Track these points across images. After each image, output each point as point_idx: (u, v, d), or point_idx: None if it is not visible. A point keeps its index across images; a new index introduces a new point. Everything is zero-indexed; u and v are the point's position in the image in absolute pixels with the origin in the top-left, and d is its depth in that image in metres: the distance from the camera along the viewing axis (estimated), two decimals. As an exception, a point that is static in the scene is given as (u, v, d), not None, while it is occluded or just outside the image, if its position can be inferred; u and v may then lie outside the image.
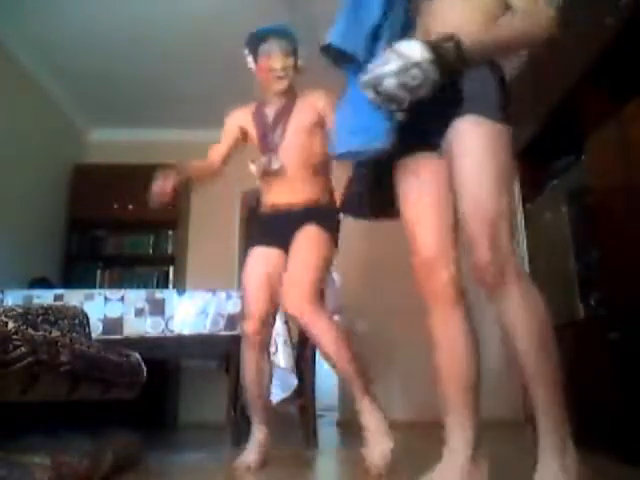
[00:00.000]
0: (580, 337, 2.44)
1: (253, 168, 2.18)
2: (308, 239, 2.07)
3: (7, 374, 1.15)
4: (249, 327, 2.10)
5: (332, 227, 2.14)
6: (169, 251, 4.47)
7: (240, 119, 2.32)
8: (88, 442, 1.66)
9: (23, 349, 1.19)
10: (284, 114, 2.20)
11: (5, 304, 2.61)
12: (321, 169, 2.21)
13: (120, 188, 4.38)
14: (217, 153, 2.34)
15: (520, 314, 1.22)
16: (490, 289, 1.22)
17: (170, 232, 4.47)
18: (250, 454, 2.06)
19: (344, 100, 1.39)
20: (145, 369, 2.09)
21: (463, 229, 1.27)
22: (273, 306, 2.14)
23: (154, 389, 2.64)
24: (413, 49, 1.16)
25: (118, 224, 4.45)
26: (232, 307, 2.84)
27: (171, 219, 4.43)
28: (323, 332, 1.93)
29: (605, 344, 2.17)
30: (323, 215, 2.13)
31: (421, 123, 1.31)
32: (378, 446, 1.79)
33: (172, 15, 3.34)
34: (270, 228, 2.19)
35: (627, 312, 2.08)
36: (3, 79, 3.59)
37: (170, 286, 4.32)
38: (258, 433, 2.13)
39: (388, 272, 3.93)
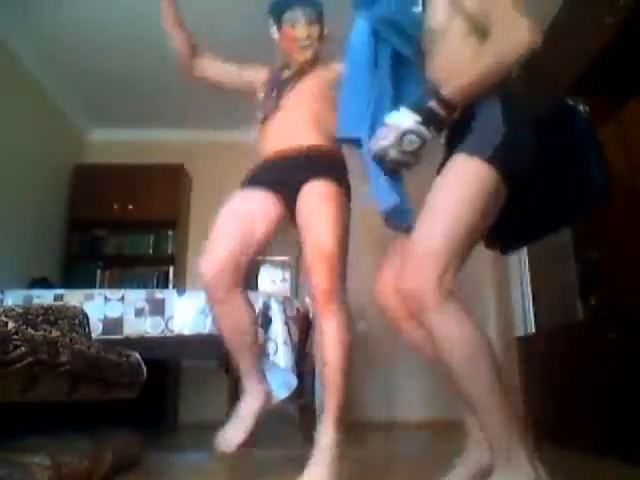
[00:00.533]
0: (580, 337, 2.44)
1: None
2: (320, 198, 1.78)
3: (7, 374, 1.15)
4: (207, 266, 1.75)
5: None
6: (169, 251, 4.47)
7: (258, 74, 2.13)
8: (88, 442, 1.66)
9: (23, 349, 1.19)
10: (300, 74, 2.03)
11: (5, 304, 2.60)
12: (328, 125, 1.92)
13: (120, 188, 4.38)
14: (215, 63, 2.17)
15: None
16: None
17: (170, 232, 4.47)
18: (235, 431, 1.72)
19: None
20: (145, 369, 2.09)
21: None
22: (244, 255, 1.78)
23: (154, 389, 2.64)
24: (403, 118, 1.27)
25: (118, 224, 4.45)
26: (232, 307, 2.83)
27: (171, 219, 4.43)
28: (337, 330, 1.65)
29: (605, 344, 2.17)
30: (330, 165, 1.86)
31: None
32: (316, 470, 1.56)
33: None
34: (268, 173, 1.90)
35: (627, 312, 2.08)
36: (3, 79, 3.59)
37: (170, 286, 4.32)
38: (249, 398, 1.79)
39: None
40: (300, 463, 1.49)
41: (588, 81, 2.45)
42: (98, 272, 4.41)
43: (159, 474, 2.06)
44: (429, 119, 1.26)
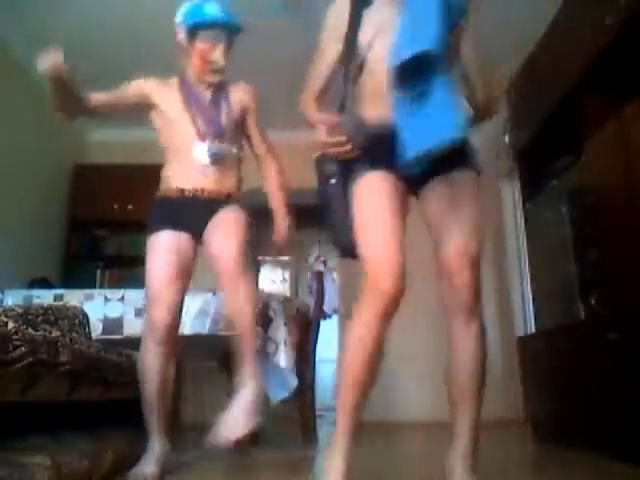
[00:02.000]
0: (580, 337, 2.44)
1: (201, 151, 2.00)
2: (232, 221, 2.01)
3: (7, 374, 1.15)
4: (158, 315, 1.88)
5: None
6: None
7: (155, 89, 2.08)
8: (88, 442, 1.67)
9: (23, 349, 1.19)
10: (222, 101, 2.08)
11: (5, 304, 2.61)
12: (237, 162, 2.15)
13: (120, 188, 4.37)
14: (104, 95, 2.13)
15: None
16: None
17: (170, 232, 4.46)
18: (147, 466, 1.84)
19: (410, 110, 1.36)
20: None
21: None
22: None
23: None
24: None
25: (118, 224, 4.45)
26: (232, 307, 2.83)
27: (171, 219, 4.43)
28: (246, 290, 1.88)
29: (605, 344, 2.17)
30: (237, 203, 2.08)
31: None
32: (236, 419, 1.80)
33: (172, 15, 3.34)
34: (183, 212, 2.00)
35: (627, 312, 2.08)
36: (3, 79, 3.59)
37: (170, 286, 4.31)
38: (157, 444, 1.92)
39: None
40: (300, 463, 1.49)
41: (588, 81, 2.45)
42: (98, 272, 4.41)
43: (159, 474, 2.06)
44: None
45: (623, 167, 2.16)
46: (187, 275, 2.03)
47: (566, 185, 2.70)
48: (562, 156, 2.81)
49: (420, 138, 1.31)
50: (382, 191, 1.39)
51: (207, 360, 3.83)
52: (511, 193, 4.42)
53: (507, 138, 3.37)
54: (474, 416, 1.37)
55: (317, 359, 3.17)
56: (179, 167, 2.04)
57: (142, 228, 4.82)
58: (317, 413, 3.08)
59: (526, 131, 3.07)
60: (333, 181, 1.46)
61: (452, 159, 1.36)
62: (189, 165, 2.01)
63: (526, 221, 3.22)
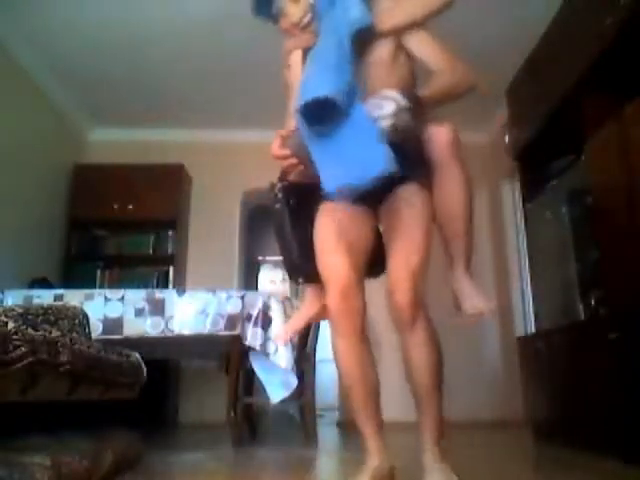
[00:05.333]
0: (580, 337, 2.44)
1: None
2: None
3: (7, 374, 1.15)
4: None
5: None
6: (169, 251, 4.46)
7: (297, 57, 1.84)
8: (88, 442, 1.66)
9: (23, 349, 1.19)
10: None
11: (5, 304, 2.61)
12: None
13: (120, 188, 4.37)
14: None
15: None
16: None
17: (170, 232, 4.46)
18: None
19: (322, 147, 1.45)
20: (145, 369, 2.09)
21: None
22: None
23: (154, 389, 2.64)
24: (398, 97, 1.35)
25: (118, 224, 4.45)
26: (232, 307, 2.84)
27: (171, 219, 4.43)
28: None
29: (605, 344, 2.17)
30: None
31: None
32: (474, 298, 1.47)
33: (172, 15, 3.34)
34: None
35: (627, 312, 2.08)
36: (3, 79, 3.59)
37: (170, 286, 4.32)
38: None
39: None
40: (300, 463, 1.49)
41: (588, 81, 2.45)
42: (98, 272, 4.41)
43: (159, 474, 2.07)
44: (413, 109, 1.35)
45: (623, 167, 2.16)
46: None
47: (566, 185, 2.70)
48: (562, 156, 2.81)
49: (336, 173, 1.42)
50: (331, 219, 1.53)
51: (207, 360, 3.84)
52: (511, 193, 4.42)
53: (507, 138, 3.37)
54: (436, 412, 1.47)
55: (317, 359, 3.17)
56: None
57: (142, 228, 4.81)
58: (317, 413, 3.08)
59: (526, 131, 3.07)
60: (278, 206, 1.58)
61: (389, 178, 1.43)
62: None
63: (526, 221, 3.22)
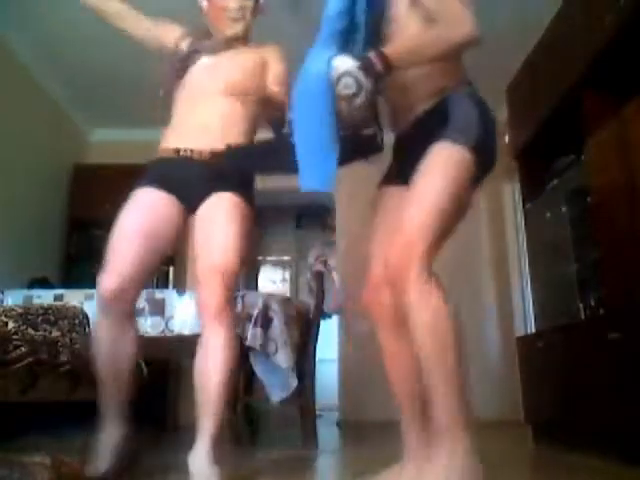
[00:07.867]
0: (580, 337, 2.44)
1: None
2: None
3: (7, 374, 1.15)
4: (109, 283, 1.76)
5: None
6: (168, 251, 4.46)
7: (169, 34, 2.04)
8: (88, 442, 1.66)
9: (23, 349, 1.19)
10: (222, 49, 1.90)
11: (5, 304, 2.61)
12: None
13: (120, 188, 4.35)
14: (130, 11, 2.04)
15: None
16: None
17: (170, 232, 4.46)
18: (103, 461, 1.60)
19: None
20: (145, 369, 2.09)
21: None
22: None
23: (154, 389, 2.64)
24: (343, 61, 1.29)
25: (118, 224, 4.45)
26: (232, 307, 2.83)
27: (171, 219, 4.42)
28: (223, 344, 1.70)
29: (605, 344, 2.17)
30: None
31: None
32: None
33: (172, 15, 3.34)
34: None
35: (627, 312, 2.08)
36: (3, 79, 3.59)
37: (170, 286, 4.32)
38: (114, 429, 1.65)
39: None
40: (300, 463, 1.49)
41: (588, 81, 2.45)
42: (98, 272, 4.41)
43: (159, 474, 2.06)
44: (367, 67, 1.27)
45: (623, 167, 2.16)
46: None
47: (566, 185, 2.70)
48: (562, 156, 2.81)
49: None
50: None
51: (207, 360, 3.83)
52: (511, 193, 4.42)
53: (507, 138, 3.37)
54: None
55: (317, 359, 3.17)
56: None
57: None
58: (317, 413, 3.08)
59: (526, 131, 3.07)
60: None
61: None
62: None
63: (526, 221, 3.22)
